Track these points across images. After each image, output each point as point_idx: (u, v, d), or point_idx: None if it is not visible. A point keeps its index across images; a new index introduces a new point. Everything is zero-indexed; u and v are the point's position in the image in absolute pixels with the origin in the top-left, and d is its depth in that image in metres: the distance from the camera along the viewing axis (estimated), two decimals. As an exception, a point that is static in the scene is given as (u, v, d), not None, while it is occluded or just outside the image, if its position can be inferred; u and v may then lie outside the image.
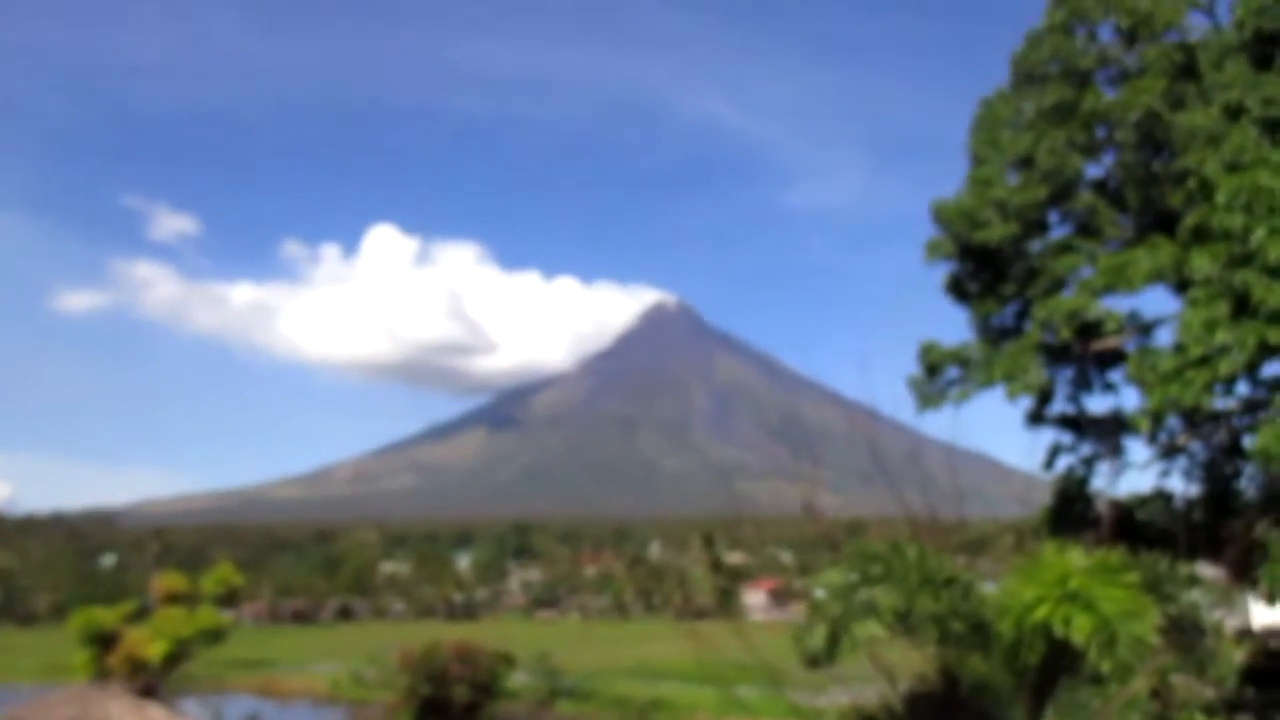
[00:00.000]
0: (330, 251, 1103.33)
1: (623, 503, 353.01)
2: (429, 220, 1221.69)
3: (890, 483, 10.15)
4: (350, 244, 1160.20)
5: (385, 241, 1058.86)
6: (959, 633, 6.07)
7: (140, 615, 34.02)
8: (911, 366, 14.53)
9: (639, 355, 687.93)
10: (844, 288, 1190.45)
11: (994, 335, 14.44)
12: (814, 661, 5.92)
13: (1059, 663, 5.84)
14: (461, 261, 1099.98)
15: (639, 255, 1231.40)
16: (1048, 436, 14.82)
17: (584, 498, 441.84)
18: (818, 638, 5.85)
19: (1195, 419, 12.37)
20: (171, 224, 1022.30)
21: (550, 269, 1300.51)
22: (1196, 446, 13.53)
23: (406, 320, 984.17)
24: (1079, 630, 5.34)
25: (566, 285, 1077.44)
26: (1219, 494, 13.40)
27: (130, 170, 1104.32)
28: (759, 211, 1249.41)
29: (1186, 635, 6.39)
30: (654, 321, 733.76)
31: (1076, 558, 5.73)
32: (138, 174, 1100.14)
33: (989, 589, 6.53)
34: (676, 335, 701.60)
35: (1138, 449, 13.79)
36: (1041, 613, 5.48)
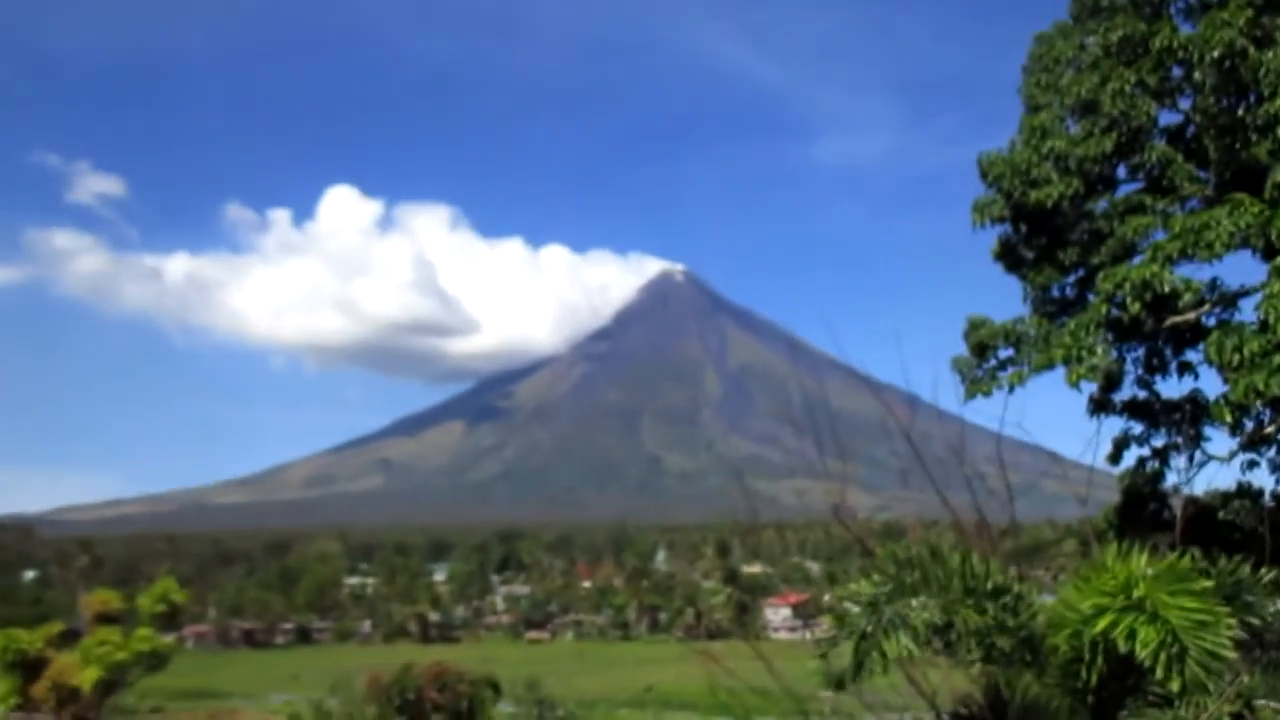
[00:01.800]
0: (280, 217, 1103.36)
1: (623, 506, 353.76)
2: (394, 180, 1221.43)
3: (931, 480, 10.24)
4: (303, 208, 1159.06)
5: (344, 205, 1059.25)
6: (1008, 649, 6.16)
7: (68, 638, 34.24)
8: (956, 346, 14.61)
9: (640, 335, 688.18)
10: (877, 255, 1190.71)
11: (1052, 309, 14.49)
12: (839, 683, 6.02)
13: (1122, 682, 5.93)
14: (433, 227, 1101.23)
15: (640, 219, 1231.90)
16: (1114, 426, 14.90)
17: (578, 500, 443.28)
18: (843, 656, 5.95)
19: (1285, 405, 12.44)
20: (94, 186, 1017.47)
21: (536, 236, 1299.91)
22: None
23: (370, 296, 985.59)
24: (1144, 644, 5.41)
25: (556, 255, 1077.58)
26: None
27: (44, 123, 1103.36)
28: (778, 168, 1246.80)
29: (1273, 651, 6.45)
30: (658, 296, 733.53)
31: (1142, 563, 5.80)
32: (53, 127, 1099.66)
33: (1044, 601, 6.61)
34: (684, 311, 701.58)
35: (1219, 439, 13.80)
36: (1102, 625, 5.55)
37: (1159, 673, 5.43)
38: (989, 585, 6.20)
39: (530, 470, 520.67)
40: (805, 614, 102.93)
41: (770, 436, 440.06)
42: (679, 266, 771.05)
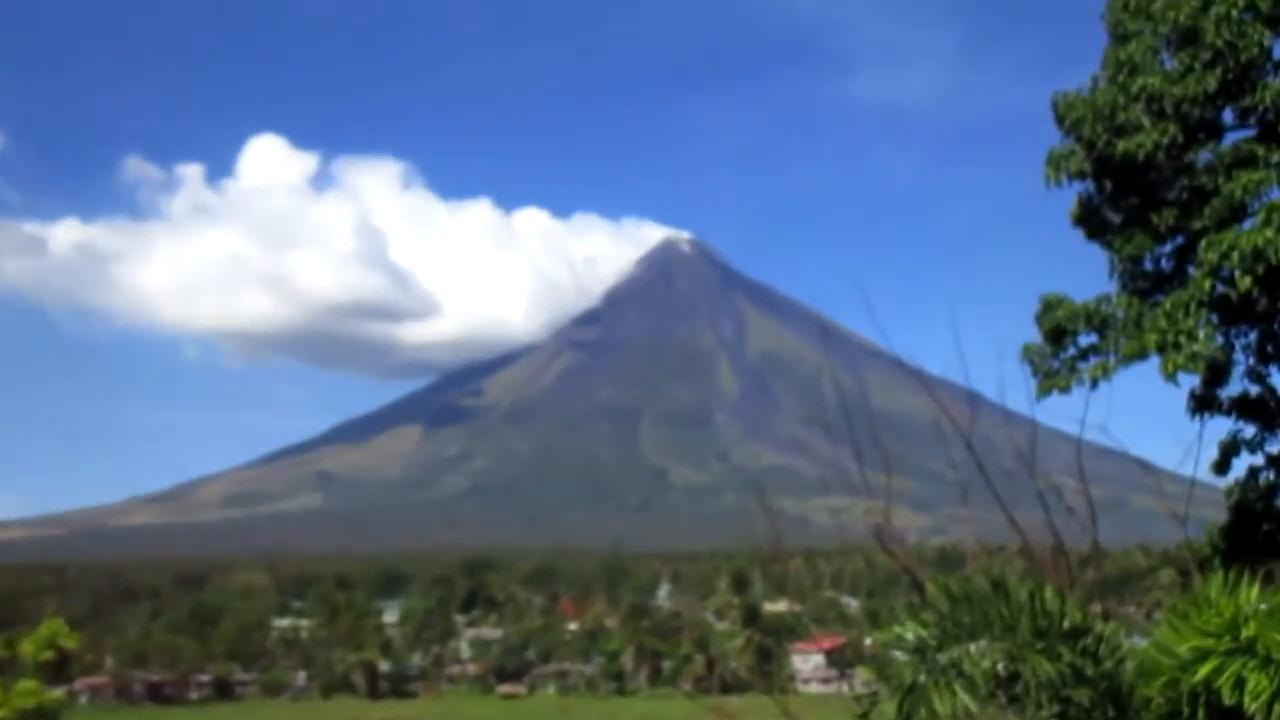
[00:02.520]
0: (191, 173, 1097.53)
1: (618, 528, 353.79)
2: (332, 130, 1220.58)
3: (996, 496, 10.28)
4: (220, 163, 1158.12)
5: (270, 159, 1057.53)
6: (1088, 703, 6.20)
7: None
8: (1027, 332, 14.64)
9: (638, 318, 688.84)
10: (929, 220, 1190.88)
11: (1145, 285, 14.52)
12: (882, 745, 6.07)
13: (1228, 742, 5.96)
14: (380, 187, 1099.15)
15: (636, 176, 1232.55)
16: (1221, 427, 14.93)
17: (563, 522, 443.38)
18: (887, 714, 5.99)
19: None
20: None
21: (509, 197, 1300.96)
22: None
23: (304, 271, 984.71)
24: (1254, 694, 5.45)
25: (532, 220, 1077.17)
26: None
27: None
28: (807, 112, 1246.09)
29: None
30: (658, 270, 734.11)
31: (1253, 596, 5.83)
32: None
33: (1133, 644, 6.65)
34: (691, 289, 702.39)
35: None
36: (1204, 671, 5.59)
37: (1272, 730, 5.46)
38: (1065, 625, 6.24)
39: (503, 485, 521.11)
40: (841, 662, 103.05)
41: (798, 443, 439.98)
42: (685, 234, 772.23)
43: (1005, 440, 10.39)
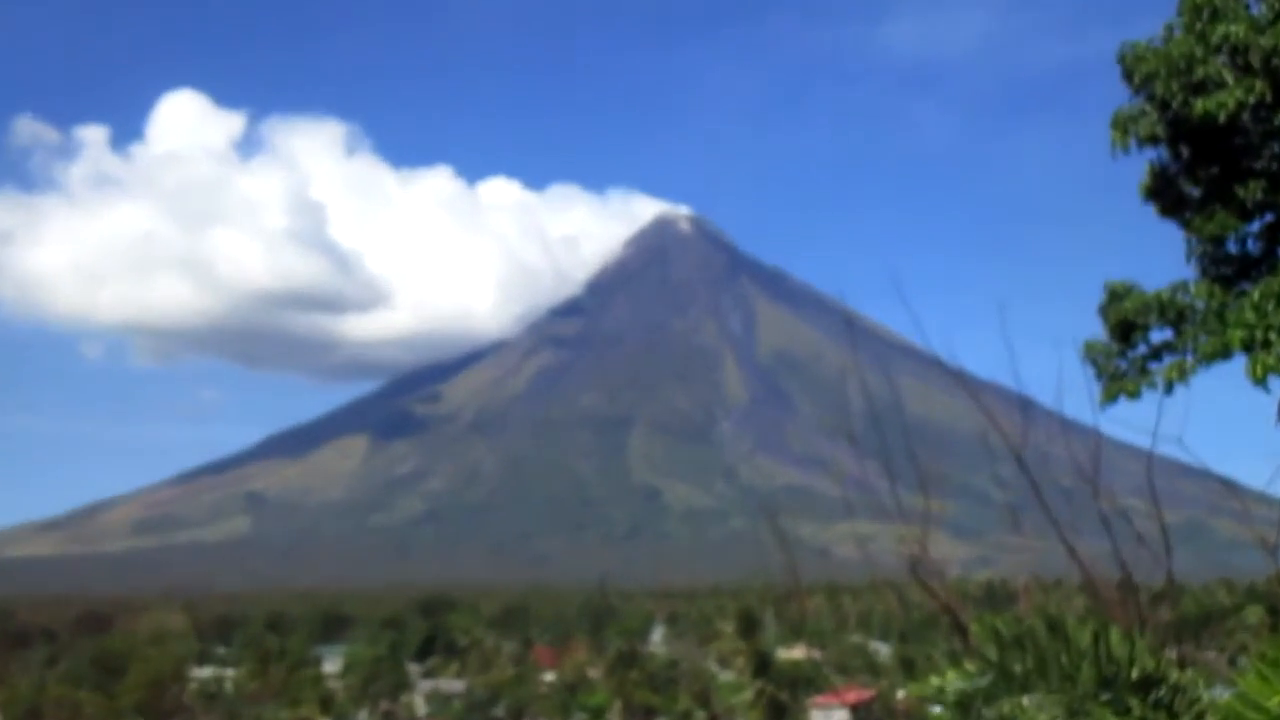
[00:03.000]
0: (92, 137, 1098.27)
1: (603, 560, 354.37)
2: (262, 85, 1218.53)
3: (1053, 521, 10.30)
4: (128, 124, 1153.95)
5: (187, 119, 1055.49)
6: (1162, 765, 6.24)
7: None
8: (1089, 326, 14.68)
9: (627, 310, 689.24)
10: (971, 192, 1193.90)
11: (1229, 271, 14.55)
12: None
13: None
14: (320, 152, 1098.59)
15: (625, 141, 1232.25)
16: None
17: (537, 552, 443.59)
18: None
19: None
20: None
21: (473, 165, 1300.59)
22: None
23: (229, 253, 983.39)
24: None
25: (501, 192, 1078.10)
26: None
27: None
28: (829, 65, 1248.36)
29: None
30: (652, 252, 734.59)
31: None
32: None
33: (1216, 695, 6.69)
34: (691, 275, 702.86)
35: None
36: (1297, 731, 5.63)
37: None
38: (1134, 674, 6.28)
39: (466, 509, 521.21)
40: (869, 719, 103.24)
41: (817, 458, 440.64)
42: (683, 209, 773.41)
43: (1064, 455, 10.42)
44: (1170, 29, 14.46)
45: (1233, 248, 14.65)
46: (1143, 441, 10.58)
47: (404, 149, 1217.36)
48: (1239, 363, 13.10)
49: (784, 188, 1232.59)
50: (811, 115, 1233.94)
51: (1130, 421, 11.79)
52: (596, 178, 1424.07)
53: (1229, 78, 13.66)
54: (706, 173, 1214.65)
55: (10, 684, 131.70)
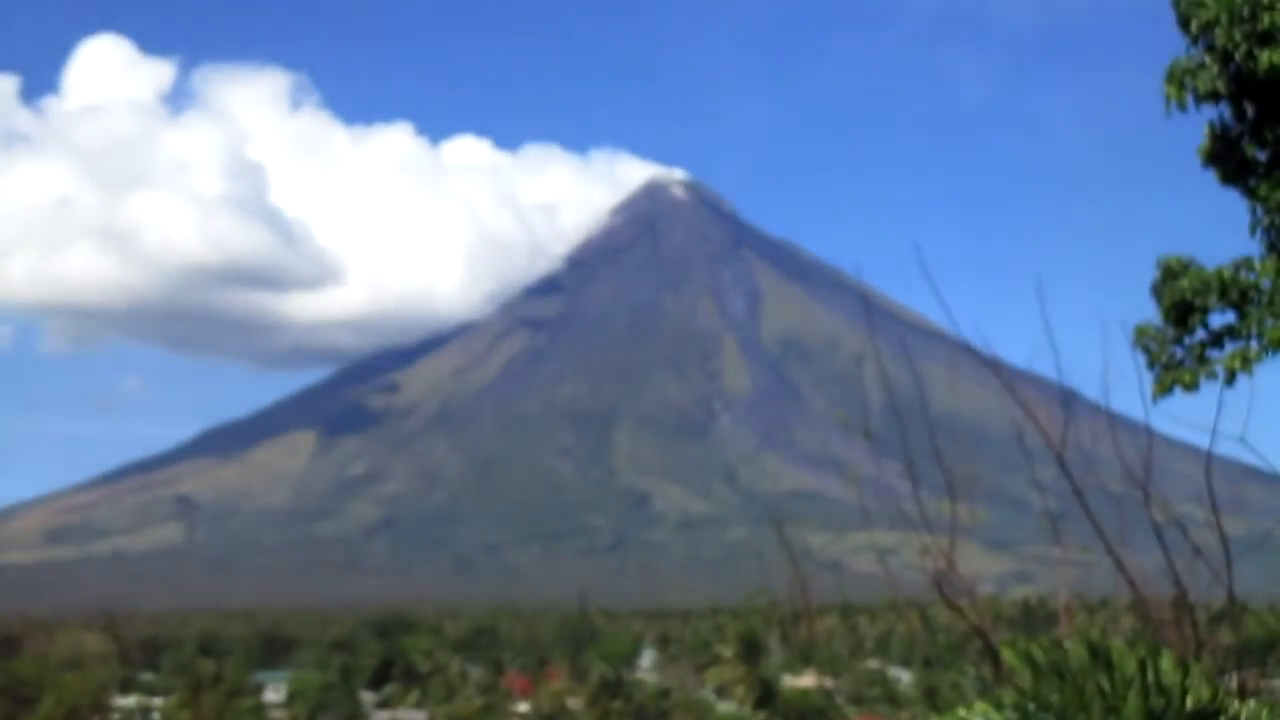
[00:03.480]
0: (2, 89, 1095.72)
1: (585, 575, 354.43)
2: (194, 28, 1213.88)
3: (1099, 531, 10.32)
4: (40, 74, 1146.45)
5: (109, 68, 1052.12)
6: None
7: None
8: (1142, 308, 14.72)
9: (613, 287, 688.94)
10: (1005, 154, 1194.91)
11: (1300, 245, 14.60)
12: None
13: None
14: (259, 107, 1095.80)
15: (609, 94, 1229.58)
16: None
17: (509, 566, 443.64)
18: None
19: None
20: None
21: (437, 121, 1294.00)
22: None
23: (156, 222, 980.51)
24: None
25: (469, 152, 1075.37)
26: None
27: None
28: (843, 9, 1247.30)
29: None
30: (642, 221, 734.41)
31: None
32: None
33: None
34: (686, 247, 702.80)
35: None
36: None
37: None
38: (1189, 704, 6.31)
39: (428, 516, 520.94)
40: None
41: (829, 458, 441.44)
42: (676, 173, 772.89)
43: (1111, 455, 10.46)
44: (1235, -31, 14.47)
45: (1305, 220, 14.68)
46: (1201, 440, 10.59)
47: (357, 103, 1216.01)
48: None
49: (793, 149, 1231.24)
50: (825, 66, 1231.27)
51: (1187, 417, 11.81)
52: (578, 136, 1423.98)
53: (1304, 24, 13.68)
54: (704, 131, 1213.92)
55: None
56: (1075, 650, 6.53)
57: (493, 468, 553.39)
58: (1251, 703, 6.79)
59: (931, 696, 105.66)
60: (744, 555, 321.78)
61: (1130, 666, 6.38)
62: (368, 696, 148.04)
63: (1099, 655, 6.43)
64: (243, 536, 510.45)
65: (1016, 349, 11.94)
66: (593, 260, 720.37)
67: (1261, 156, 14.77)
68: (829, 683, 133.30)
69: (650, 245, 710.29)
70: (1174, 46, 14.58)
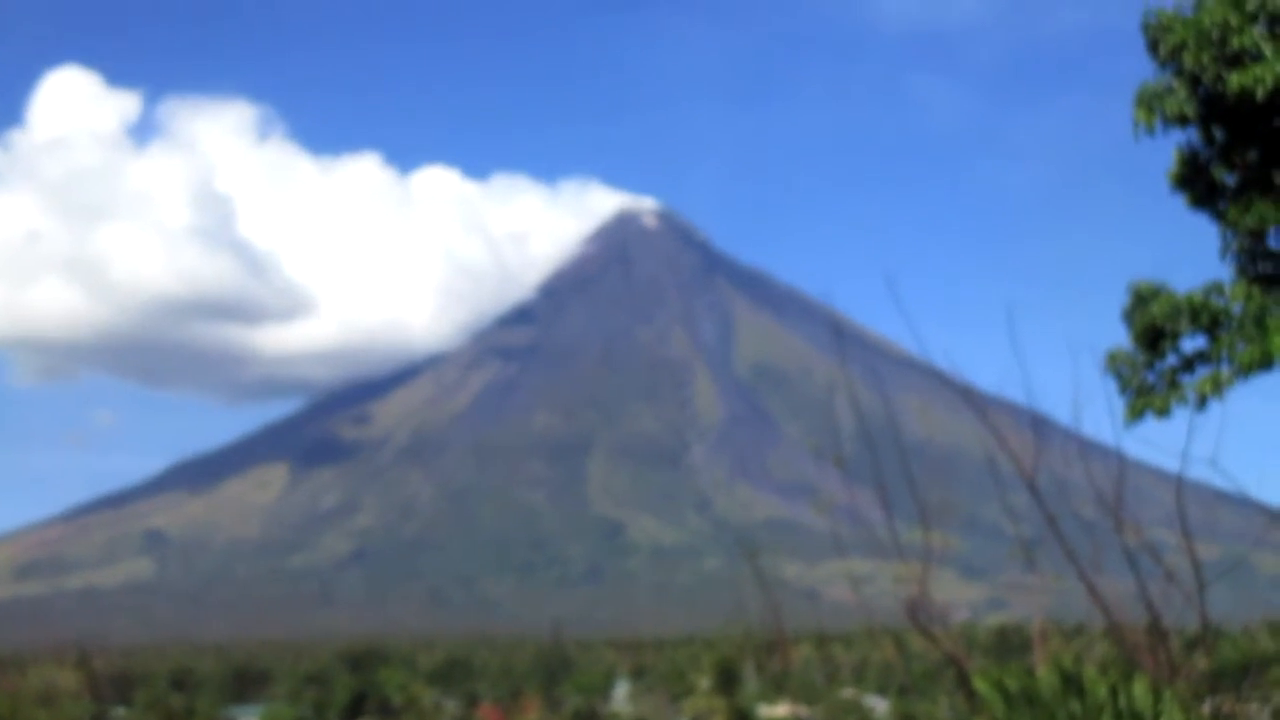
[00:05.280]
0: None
1: (559, 605, 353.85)
2: (160, 60, 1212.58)
3: (1071, 557, 10.31)
4: (4, 106, 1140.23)
5: (74, 100, 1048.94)
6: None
7: None
8: (1113, 334, 14.76)
9: (585, 317, 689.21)
10: (977, 181, 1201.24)
11: (1270, 269, 14.65)
12: None
13: None
14: (227, 136, 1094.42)
15: (580, 122, 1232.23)
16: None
17: (482, 597, 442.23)
18: None
19: None
20: None
21: (405, 151, 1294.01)
22: None
23: (122, 253, 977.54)
24: None
25: (438, 182, 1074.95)
26: None
27: None
28: (819, 35, 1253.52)
29: None
30: (614, 250, 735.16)
31: None
32: None
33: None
34: (658, 276, 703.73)
35: None
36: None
37: None
38: (1166, 733, 6.29)
39: (400, 547, 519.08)
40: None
41: (804, 486, 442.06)
42: (648, 202, 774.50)
43: (1083, 481, 10.44)
44: (1202, -7, 14.54)
45: (1274, 243, 14.73)
46: (1172, 465, 10.59)
47: (324, 133, 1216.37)
48: (1284, 374, 13.19)
49: (765, 177, 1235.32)
50: (796, 94, 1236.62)
51: (1159, 442, 11.82)
52: (547, 165, 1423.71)
53: (1268, 49, 13.75)
54: (675, 160, 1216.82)
55: None
56: (1047, 678, 6.52)
57: (466, 498, 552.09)
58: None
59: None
60: (718, 585, 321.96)
61: (1102, 693, 6.37)
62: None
63: (1071, 682, 6.42)
64: (214, 570, 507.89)
65: (988, 375, 11.95)
66: (564, 289, 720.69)
67: (1230, 180, 14.84)
68: (804, 712, 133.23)
69: (622, 274, 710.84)
70: (1143, 70, 14.66)
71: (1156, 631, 8.71)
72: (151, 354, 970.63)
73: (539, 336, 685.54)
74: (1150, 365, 14.44)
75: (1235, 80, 13.70)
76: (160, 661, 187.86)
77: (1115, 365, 14.49)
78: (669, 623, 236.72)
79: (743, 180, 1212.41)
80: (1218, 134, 14.66)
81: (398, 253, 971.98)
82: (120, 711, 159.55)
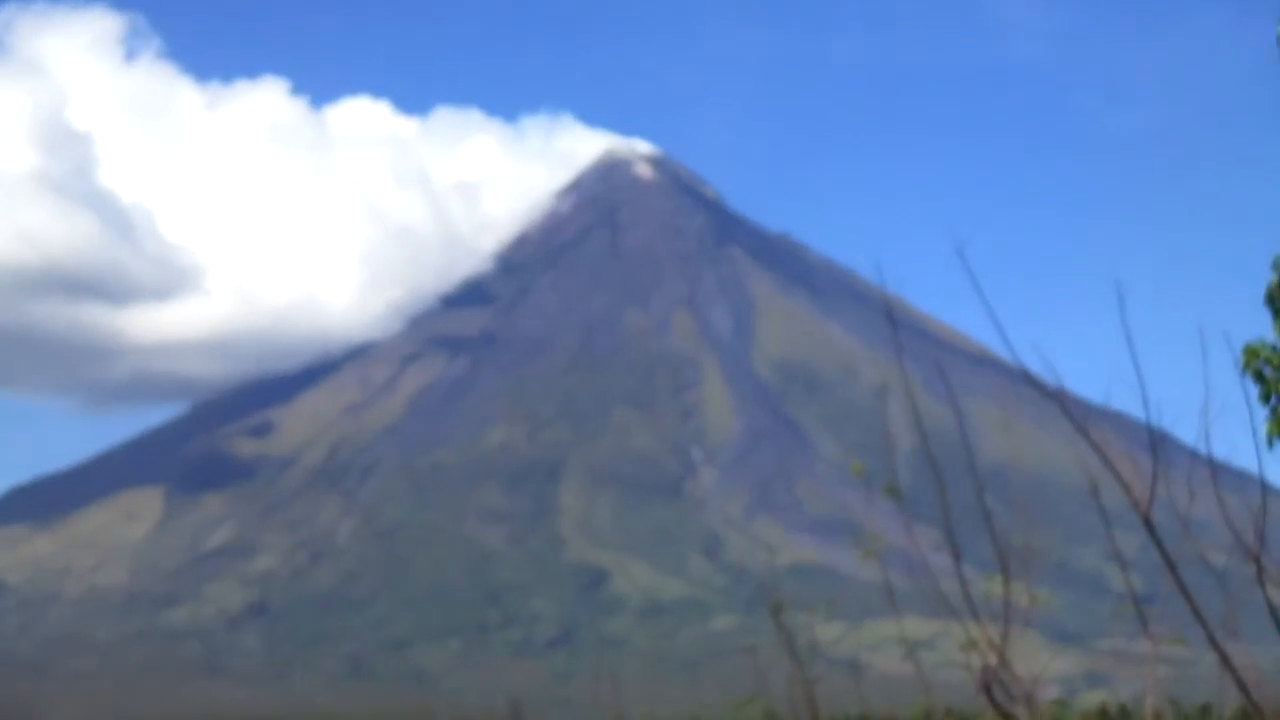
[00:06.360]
0: None
1: (518, 678, 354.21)
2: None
3: (1198, 615, 10.31)
4: None
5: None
6: None
7: None
8: (1251, 319, 14.80)
9: (559, 295, 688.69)
10: (1068, 127, 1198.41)
11: None
12: None
13: None
14: (83, 56, 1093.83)
15: (553, 43, 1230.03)
16: None
17: (418, 666, 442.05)
18: None
19: None
20: None
21: (320, 78, 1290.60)
22: None
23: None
24: None
25: (365, 118, 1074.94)
26: None
27: None
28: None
29: None
30: (597, 208, 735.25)
31: None
32: None
33: None
34: (655, 242, 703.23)
35: None
36: None
37: None
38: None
39: (311, 599, 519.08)
40: None
41: (844, 523, 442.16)
42: (641, 146, 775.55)
43: (1215, 516, 10.47)
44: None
45: None
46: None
47: (212, 53, 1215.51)
48: None
49: (794, 117, 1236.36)
50: (835, 8, 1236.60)
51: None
52: (506, 97, 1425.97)
53: None
54: (676, 92, 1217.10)
55: None
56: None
57: (397, 537, 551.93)
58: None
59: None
60: (730, 651, 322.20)
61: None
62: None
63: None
64: (64, 629, 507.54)
65: (1088, 377, 11.98)
66: (531, 261, 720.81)
67: None
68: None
69: (607, 241, 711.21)
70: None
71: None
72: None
73: (496, 322, 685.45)
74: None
75: None
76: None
77: (1256, 363, 14.50)
78: (665, 701, 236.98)
79: (765, 120, 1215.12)
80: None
81: (310, 210, 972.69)
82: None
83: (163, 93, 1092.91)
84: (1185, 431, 11.25)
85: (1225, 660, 8.76)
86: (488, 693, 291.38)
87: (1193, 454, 11.16)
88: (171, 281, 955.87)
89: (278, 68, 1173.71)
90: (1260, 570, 9.92)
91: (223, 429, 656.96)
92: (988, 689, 9.94)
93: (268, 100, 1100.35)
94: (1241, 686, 8.69)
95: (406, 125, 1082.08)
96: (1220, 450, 11.24)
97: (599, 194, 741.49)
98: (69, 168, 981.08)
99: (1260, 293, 14.76)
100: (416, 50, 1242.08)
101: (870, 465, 13.46)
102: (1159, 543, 9.76)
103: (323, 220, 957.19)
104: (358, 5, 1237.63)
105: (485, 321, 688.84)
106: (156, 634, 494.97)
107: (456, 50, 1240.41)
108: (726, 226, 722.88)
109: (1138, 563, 11.01)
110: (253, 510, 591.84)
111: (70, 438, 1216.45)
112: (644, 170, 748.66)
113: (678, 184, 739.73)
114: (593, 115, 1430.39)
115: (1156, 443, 10.65)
